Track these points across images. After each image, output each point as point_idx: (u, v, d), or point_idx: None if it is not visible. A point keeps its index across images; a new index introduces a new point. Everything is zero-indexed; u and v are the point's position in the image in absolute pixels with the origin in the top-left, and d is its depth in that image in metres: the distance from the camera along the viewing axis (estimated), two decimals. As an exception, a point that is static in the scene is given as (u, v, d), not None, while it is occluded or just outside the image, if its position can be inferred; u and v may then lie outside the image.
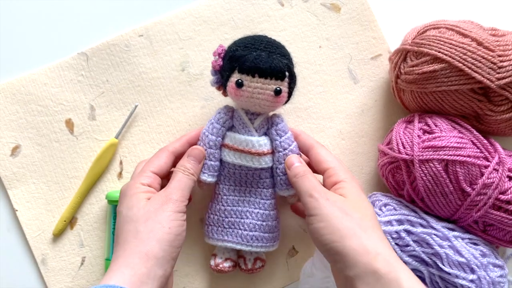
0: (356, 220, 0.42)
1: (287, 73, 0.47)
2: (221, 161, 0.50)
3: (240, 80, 0.46)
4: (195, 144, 0.50)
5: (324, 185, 0.46)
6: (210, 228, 0.51)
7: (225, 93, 0.50)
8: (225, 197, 0.50)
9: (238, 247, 0.50)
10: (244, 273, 0.52)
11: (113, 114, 0.56)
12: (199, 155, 0.48)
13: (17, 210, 0.54)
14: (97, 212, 0.55)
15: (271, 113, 0.50)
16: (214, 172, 0.49)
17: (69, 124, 0.55)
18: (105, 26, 0.56)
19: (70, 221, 0.55)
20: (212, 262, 0.52)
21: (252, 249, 0.50)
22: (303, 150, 0.50)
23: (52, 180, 0.55)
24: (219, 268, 0.51)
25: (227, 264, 0.51)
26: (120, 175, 0.55)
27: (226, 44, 0.57)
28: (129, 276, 0.40)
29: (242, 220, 0.50)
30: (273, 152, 0.49)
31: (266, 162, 0.49)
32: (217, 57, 0.48)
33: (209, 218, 0.51)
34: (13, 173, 0.55)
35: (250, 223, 0.50)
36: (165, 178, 0.48)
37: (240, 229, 0.50)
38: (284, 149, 0.49)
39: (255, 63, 0.45)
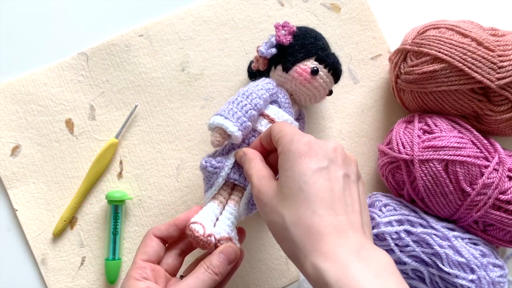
0: (282, 218, 0.36)
1: None
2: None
3: (316, 68, 0.48)
4: (183, 226, 0.45)
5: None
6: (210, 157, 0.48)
7: (263, 67, 0.49)
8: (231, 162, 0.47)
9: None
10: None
11: (113, 114, 0.56)
12: (231, 254, 0.42)
13: (17, 210, 0.54)
14: (97, 212, 0.55)
15: (300, 107, 0.53)
16: (244, 131, 0.46)
17: (69, 124, 0.55)
18: (105, 26, 0.56)
19: (70, 221, 0.55)
20: (200, 232, 0.44)
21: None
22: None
23: (52, 180, 0.55)
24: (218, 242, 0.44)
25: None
26: (120, 175, 0.55)
27: (227, 43, 0.57)
28: None
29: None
30: None
31: None
32: (285, 32, 0.48)
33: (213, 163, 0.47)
34: (13, 173, 0.55)
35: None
36: (158, 262, 0.45)
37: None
38: None
39: (336, 62, 0.49)
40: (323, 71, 0.48)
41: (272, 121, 0.48)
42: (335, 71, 0.49)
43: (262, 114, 0.48)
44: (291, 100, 0.50)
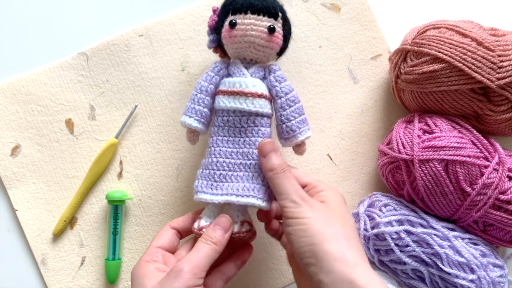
0: (338, 228, 0.40)
1: (280, 14, 0.47)
2: (215, 112, 0.49)
3: (233, 20, 0.46)
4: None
5: None
6: (200, 182, 0.48)
7: (222, 55, 0.50)
8: (218, 148, 0.48)
9: (225, 198, 0.46)
10: (232, 239, 0.47)
11: (113, 114, 0.56)
12: (225, 223, 0.45)
13: (17, 210, 0.54)
14: (97, 212, 0.55)
15: (268, 64, 0.50)
16: (201, 118, 0.48)
17: (69, 124, 0.55)
18: (105, 26, 0.56)
19: (70, 221, 0.55)
20: (195, 225, 0.47)
21: (240, 201, 0.46)
22: None
23: (52, 180, 0.55)
24: (202, 232, 0.46)
25: None
26: (120, 175, 0.55)
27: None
28: None
29: (235, 174, 0.47)
30: (271, 100, 0.48)
31: (261, 105, 0.47)
32: (212, 15, 0.49)
33: (201, 174, 0.48)
34: (13, 173, 0.55)
35: (243, 175, 0.47)
36: (173, 253, 0.47)
37: (232, 181, 0.47)
38: (286, 94, 0.48)
39: (248, 0, 0.46)
40: (239, 17, 0.46)
41: (225, 92, 0.47)
42: (254, 8, 0.46)
43: (217, 93, 0.48)
44: (250, 62, 0.49)
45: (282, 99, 0.48)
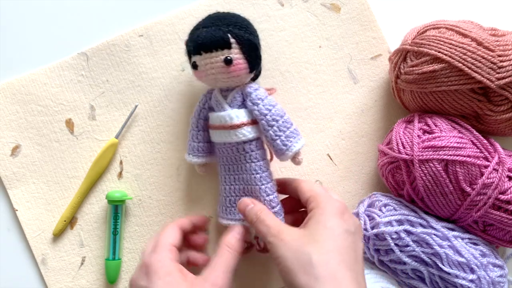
0: (311, 256, 0.40)
1: (233, 40, 0.45)
2: (214, 143, 0.50)
3: (194, 62, 0.47)
4: (201, 222, 0.53)
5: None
6: (219, 207, 0.52)
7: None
8: (223, 176, 0.50)
9: (239, 223, 0.49)
10: (261, 253, 0.52)
11: (113, 114, 0.56)
12: (242, 231, 0.48)
13: (17, 210, 0.54)
14: (97, 212, 0.55)
15: (245, 85, 0.48)
16: (198, 153, 0.51)
17: (69, 124, 0.55)
18: (105, 26, 0.56)
19: (70, 221, 0.55)
20: None
21: (246, 224, 0.49)
22: (289, 189, 0.50)
23: (52, 180, 0.55)
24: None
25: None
26: (120, 175, 0.55)
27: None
28: None
29: (240, 198, 0.49)
30: (254, 123, 0.48)
31: (244, 134, 0.47)
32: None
33: (219, 199, 0.52)
34: (13, 173, 0.55)
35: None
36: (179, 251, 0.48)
37: None
38: (265, 115, 0.47)
39: (195, 41, 0.46)
40: (197, 59, 0.46)
41: (212, 127, 0.49)
42: (203, 47, 0.45)
43: (209, 126, 0.50)
44: (228, 89, 0.48)
45: (263, 120, 0.47)
